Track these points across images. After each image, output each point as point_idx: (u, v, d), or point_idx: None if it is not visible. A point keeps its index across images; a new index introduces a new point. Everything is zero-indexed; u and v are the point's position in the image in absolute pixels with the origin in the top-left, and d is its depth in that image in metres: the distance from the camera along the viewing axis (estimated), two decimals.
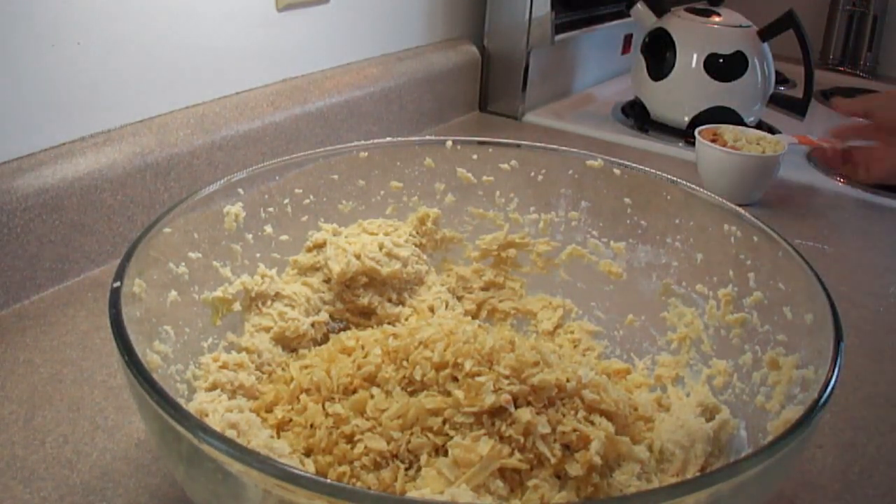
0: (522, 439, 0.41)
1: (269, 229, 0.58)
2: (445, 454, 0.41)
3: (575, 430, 0.43)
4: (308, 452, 0.44)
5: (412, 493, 0.40)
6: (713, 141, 0.96)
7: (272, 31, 0.86)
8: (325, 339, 0.56)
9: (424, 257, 0.62)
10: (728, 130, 0.98)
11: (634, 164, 0.60)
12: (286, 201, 0.59)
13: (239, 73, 0.84)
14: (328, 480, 0.31)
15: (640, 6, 1.19)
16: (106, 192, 0.70)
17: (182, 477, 0.39)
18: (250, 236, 0.57)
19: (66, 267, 0.69)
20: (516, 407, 0.42)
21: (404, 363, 0.47)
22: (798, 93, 1.14)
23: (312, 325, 0.56)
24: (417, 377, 0.45)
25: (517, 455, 0.41)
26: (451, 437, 0.42)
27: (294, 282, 0.58)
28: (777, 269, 0.49)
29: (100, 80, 0.70)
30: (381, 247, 0.59)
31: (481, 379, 0.43)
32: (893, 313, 0.74)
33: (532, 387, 0.43)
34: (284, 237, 0.59)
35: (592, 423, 0.44)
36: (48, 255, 0.67)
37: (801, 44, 1.07)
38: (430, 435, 0.42)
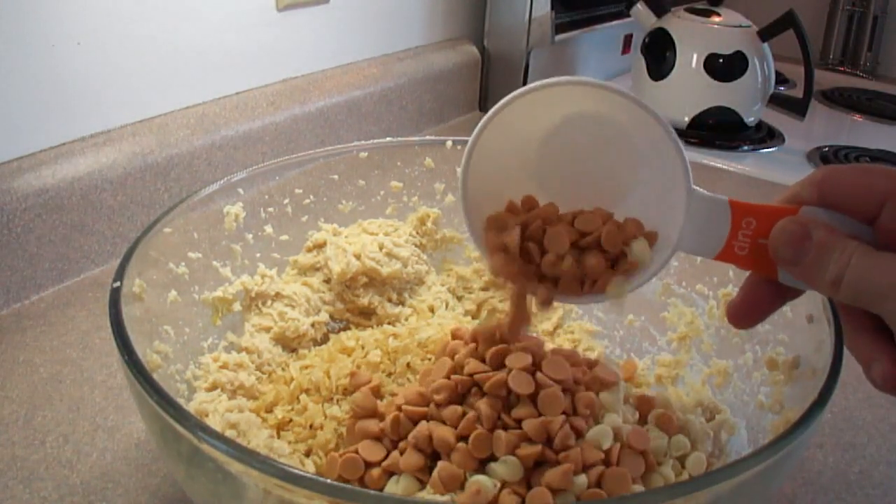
0: None
1: (269, 229, 0.58)
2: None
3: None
4: (308, 452, 0.44)
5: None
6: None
7: (272, 31, 0.86)
8: (325, 339, 0.56)
9: (424, 257, 0.62)
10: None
11: None
12: (286, 201, 0.59)
13: (239, 73, 0.84)
14: (328, 480, 0.31)
15: (640, 6, 1.19)
16: (106, 192, 0.70)
17: (182, 477, 0.39)
18: (250, 236, 0.57)
19: (66, 267, 0.69)
20: None
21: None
22: (798, 93, 1.14)
23: (312, 325, 0.56)
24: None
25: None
26: None
27: (294, 282, 0.58)
28: None
29: (100, 80, 0.70)
30: (381, 247, 0.59)
31: None
32: None
33: None
34: (284, 237, 0.59)
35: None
36: (48, 255, 0.67)
37: (801, 44, 1.07)
38: None
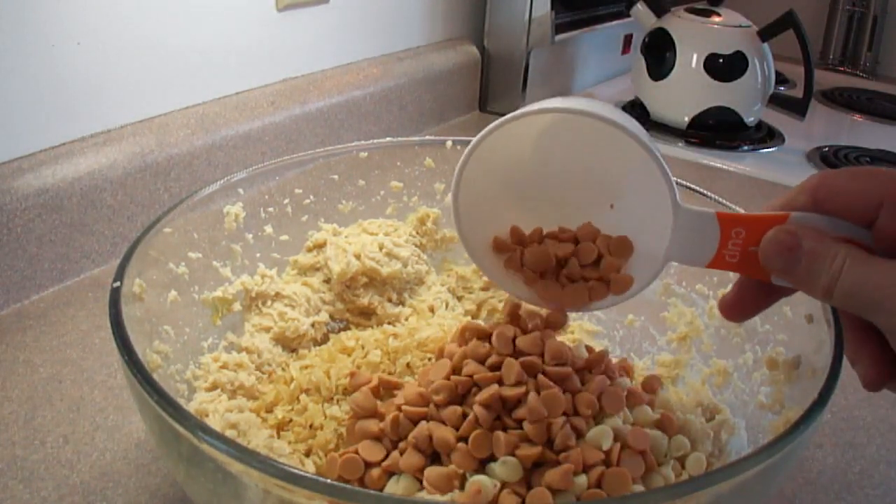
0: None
1: (269, 229, 0.58)
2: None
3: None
4: (308, 452, 0.44)
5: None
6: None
7: (272, 31, 0.86)
8: (325, 339, 0.56)
9: (424, 257, 0.62)
10: None
11: None
12: (286, 201, 0.59)
13: (239, 73, 0.84)
14: (328, 480, 0.31)
15: (640, 6, 1.19)
16: (106, 192, 0.70)
17: (182, 477, 0.39)
18: (250, 236, 0.57)
19: (66, 267, 0.69)
20: None
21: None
22: (798, 93, 1.14)
23: (312, 325, 0.56)
24: None
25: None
26: None
27: (294, 282, 0.58)
28: None
29: (100, 80, 0.70)
30: (381, 247, 0.59)
31: None
32: None
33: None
34: (284, 237, 0.59)
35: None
36: (48, 255, 0.67)
37: (801, 44, 1.07)
38: None
